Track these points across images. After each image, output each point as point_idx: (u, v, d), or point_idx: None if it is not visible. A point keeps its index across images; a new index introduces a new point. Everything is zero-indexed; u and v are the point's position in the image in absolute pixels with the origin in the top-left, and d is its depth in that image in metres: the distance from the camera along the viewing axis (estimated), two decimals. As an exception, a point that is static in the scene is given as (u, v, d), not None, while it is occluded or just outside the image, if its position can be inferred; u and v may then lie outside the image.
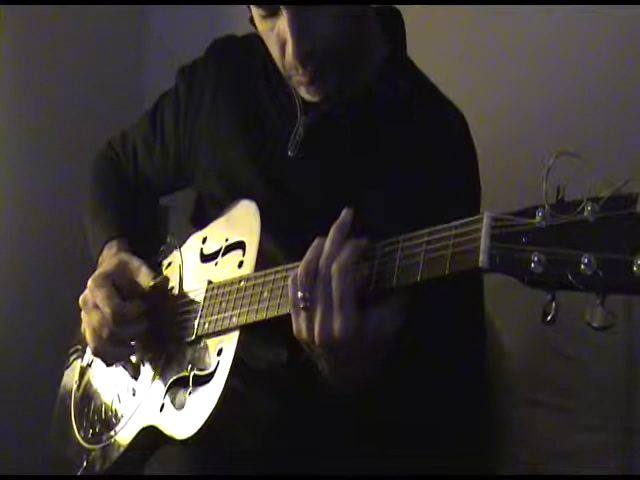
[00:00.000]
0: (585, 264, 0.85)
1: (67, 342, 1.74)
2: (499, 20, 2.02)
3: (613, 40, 1.85)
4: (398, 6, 1.52)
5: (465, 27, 2.06)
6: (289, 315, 1.23)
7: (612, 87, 1.84)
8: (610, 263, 0.84)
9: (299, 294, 1.15)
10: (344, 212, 1.18)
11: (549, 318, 0.89)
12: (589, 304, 0.88)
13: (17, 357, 2.20)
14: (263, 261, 1.35)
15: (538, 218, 0.91)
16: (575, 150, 0.91)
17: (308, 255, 1.17)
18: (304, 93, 1.41)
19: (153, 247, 1.65)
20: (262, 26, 1.37)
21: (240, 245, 1.42)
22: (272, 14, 1.33)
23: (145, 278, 1.49)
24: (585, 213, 0.88)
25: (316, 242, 1.18)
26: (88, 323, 1.48)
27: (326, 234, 1.20)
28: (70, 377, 1.71)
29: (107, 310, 1.44)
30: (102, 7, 2.36)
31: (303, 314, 1.16)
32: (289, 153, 1.47)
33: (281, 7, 1.30)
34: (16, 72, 2.21)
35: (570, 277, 0.86)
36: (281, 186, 1.47)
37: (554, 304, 0.90)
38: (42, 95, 2.27)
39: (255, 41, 1.48)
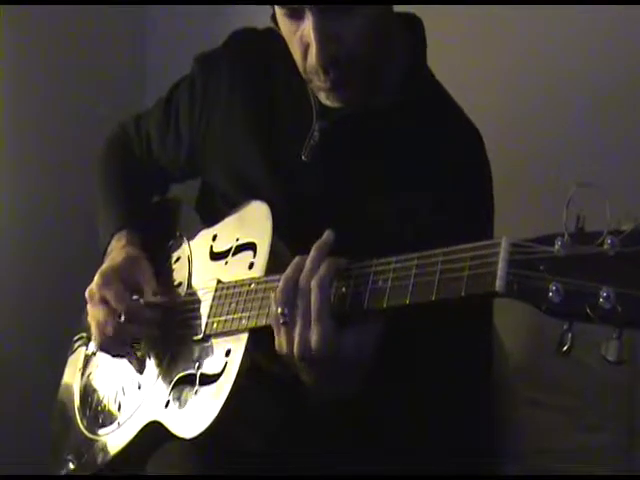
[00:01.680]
0: (604, 298, 0.86)
1: (70, 338, 1.76)
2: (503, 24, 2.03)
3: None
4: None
5: (468, 29, 2.07)
6: None
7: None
8: (629, 299, 0.85)
9: (279, 309, 1.20)
10: (326, 233, 1.24)
11: (565, 349, 0.90)
12: (604, 337, 0.89)
13: (20, 353, 2.22)
14: (273, 264, 1.36)
15: (557, 247, 0.92)
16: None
17: (288, 272, 1.22)
18: (324, 99, 1.41)
19: (163, 237, 1.65)
20: (285, 27, 1.37)
21: (251, 246, 1.42)
22: (296, 16, 1.32)
23: (148, 290, 1.49)
24: (605, 246, 0.88)
25: (297, 259, 1.23)
26: (93, 317, 1.49)
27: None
28: (74, 365, 1.72)
29: (119, 307, 1.45)
30: (102, 7, 2.35)
31: (283, 329, 1.20)
32: (303, 157, 1.47)
33: (306, 11, 1.29)
34: (16, 72, 2.20)
35: (589, 310, 0.87)
36: (291, 189, 1.47)
37: (570, 334, 0.91)
38: (42, 95, 2.27)
39: (275, 36, 1.46)
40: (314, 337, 1.16)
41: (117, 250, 1.58)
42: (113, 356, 1.54)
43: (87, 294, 1.50)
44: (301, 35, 1.33)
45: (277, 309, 1.20)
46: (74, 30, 2.33)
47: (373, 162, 1.43)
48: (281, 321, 1.20)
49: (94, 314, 1.49)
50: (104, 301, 1.47)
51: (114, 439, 1.52)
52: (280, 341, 1.22)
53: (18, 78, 2.21)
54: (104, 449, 1.54)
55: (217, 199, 1.59)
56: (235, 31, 1.64)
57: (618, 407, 1.81)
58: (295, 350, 1.19)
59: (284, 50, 1.42)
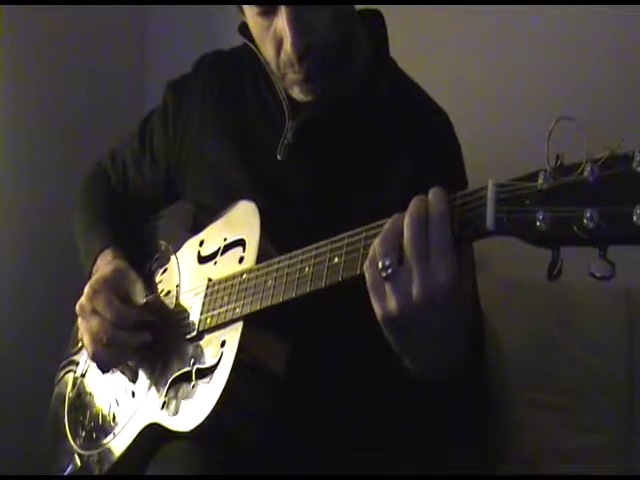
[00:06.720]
0: (588, 218, 0.94)
1: (69, 337, 1.80)
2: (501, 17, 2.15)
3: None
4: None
5: (467, 25, 2.18)
6: (294, 299, 1.31)
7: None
8: (612, 215, 0.93)
9: (379, 264, 1.14)
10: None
11: (555, 272, 0.98)
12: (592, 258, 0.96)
13: (15, 364, 2.27)
14: (264, 254, 1.42)
15: (540, 181, 1.00)
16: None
17: (387, 226, 1.17)
18: (297, 93, 1.51)
19: (145, 258, 1.71)
20: (257, 26, 1.49)
21: (240, 242, 1.48)
22: (269, 13, 1.44)
23: (139, 294, 1.55)
24: (585, 173, 0.97)
25: (395, 217, 1.17)
26: (86, 329, 1.54)
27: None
28: (62, 391, 1.76)
29: (109, 314, 1.51)
30: (102, 7, 2.45)
31: (388, 287, 1.14)
32: (278, 157, 1.57)
33: (280, 6, 1.41)
34: (16, 73, 2.28)
35: (576, 230, 0.95)
36: (270, 188, 1.55)
37: (560, 259, 0.99)
38: (42, 96, 2.34)
39: (243, 53, 1.60)
40: (442, 272, 1.10)
41: (104, 265, 1.64)
42: (106, 370, 1.58)
43: (77, 308, 1.55)
44: (274, 30, 1.45)
45: (378, 263, 1.14)
46: (74, 30, 2.43)
47: (347, 154, 1.53)
48: (384, 275, 1.13)
49: (87, 326, 1.53)
50: (95, 312, 1.53)
51: (111, 449, 1.56)
52: (388, 303, 1.15)
53: (18, 78, 2.29)
54: (99, 461, 1.57)
55: (203, 216, 1.65)
56: (202, 55, 1.76)
57: (618, 407, 1.88)
58: (418, 294, 1.12)
59: (251, 63, 1.57)
